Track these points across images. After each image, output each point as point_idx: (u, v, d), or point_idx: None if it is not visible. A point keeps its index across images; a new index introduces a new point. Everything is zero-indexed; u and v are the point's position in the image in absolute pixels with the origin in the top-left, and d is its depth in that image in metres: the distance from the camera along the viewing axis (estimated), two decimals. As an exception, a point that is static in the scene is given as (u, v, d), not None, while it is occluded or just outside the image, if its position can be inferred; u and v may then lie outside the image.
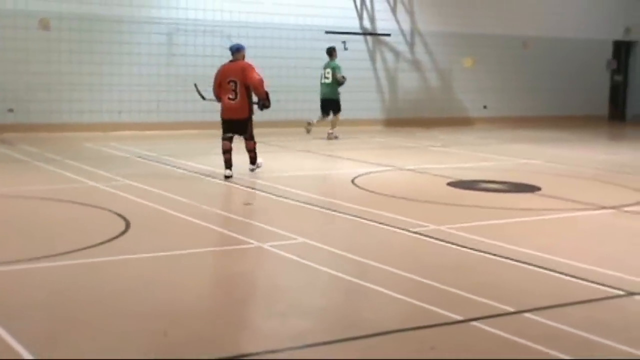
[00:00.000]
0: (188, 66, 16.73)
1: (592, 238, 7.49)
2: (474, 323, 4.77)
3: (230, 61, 10.68)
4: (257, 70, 10.54)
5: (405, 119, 19.25)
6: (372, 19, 19.08)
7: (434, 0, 19.65)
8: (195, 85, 11.83)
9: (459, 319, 4.82)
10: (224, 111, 10.65)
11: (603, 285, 5.66)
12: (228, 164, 10.44)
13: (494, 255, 6.47)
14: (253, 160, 10.82)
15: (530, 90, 21.47)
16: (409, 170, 11.68)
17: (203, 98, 11.55)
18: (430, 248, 6.79)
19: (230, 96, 10.48)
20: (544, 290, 5.57)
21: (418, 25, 19.56)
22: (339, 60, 16.17)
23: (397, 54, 19.32)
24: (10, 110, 15.37)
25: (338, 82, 15.81)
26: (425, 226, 7.52)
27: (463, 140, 16.55)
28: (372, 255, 6.40)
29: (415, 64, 19.75)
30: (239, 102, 10.47)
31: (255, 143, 10.77)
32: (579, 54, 22.17)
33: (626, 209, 8.83)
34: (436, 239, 7.03)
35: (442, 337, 4.61)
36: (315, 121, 15.99)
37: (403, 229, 7.38)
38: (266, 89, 10.58)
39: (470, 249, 6.67)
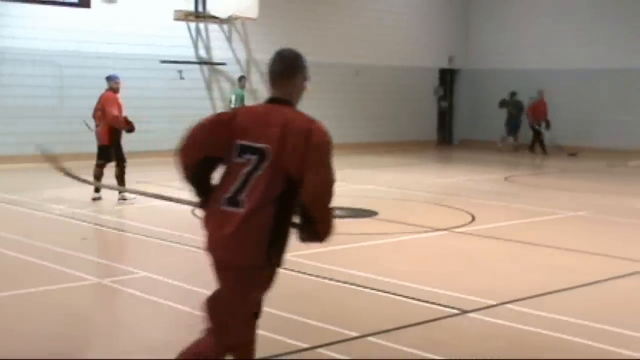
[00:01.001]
0: (16, 97, 16.02)
1: (428, 260, 7.78)
2: (320, 350, 4.83)
3: (106, 89, 11.33)
4: (117, 102, 11.07)
5: (244, 147, 19.31)
6: (207, 48, 19.06)
7: (268, 28, 19.88)
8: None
9: (304, 347, 4.87)
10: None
11: (440, 305, 5.90)
12: (96, 190, 10.91)
13: (337, 281, 6.59)
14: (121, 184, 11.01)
15: (364, 117, 22.12)
16: (249, 198, 11.66)
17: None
18: (273, 276, 6.81)
19: (96, 122, 11.20)
20: (385, 314, 5.73)
21: (253, 54, 19.73)
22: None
23: (233, 82, 19.38)
24: None
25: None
26: (268, 255, 7.53)
27: (301, 167, 16.74)
28: (212, 286, 6.34)
29: (252, 93, 19.87)
30: (100, 129, 11.09)
31: (123, 172, 11.06)
32: (409, 82, 23.12)
33: (457, 230, 9.25)
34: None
35: (289, 365, 4.63)
36: None
37: (246, 259, 7.37)
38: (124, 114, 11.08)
39: (313, 275, 6.76)
